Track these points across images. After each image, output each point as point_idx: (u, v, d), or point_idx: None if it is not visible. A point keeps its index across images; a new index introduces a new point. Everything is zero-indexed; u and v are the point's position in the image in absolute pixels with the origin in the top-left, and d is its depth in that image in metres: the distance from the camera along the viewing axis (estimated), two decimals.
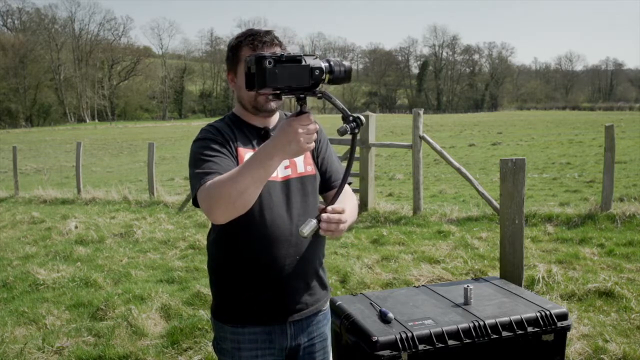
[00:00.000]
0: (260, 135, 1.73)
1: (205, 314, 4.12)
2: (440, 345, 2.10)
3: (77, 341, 3.86)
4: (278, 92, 1.36)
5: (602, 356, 3.27)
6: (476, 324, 2.17)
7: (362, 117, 1.36)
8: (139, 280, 5.24)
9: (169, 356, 3.60)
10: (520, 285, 3.49)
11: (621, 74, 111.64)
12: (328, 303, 1.90)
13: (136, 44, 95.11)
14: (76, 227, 7.89)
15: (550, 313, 2.28)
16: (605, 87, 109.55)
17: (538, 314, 2.27)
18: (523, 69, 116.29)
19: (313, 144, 1.40)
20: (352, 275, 4.94)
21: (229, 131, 1.69)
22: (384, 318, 2.21)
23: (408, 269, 5.11)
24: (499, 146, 21.13)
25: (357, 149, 7.90)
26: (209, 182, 1.50)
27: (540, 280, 4.56)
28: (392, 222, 7.26)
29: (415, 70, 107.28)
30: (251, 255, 1.69)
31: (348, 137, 1.64)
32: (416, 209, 7.59)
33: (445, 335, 2.12)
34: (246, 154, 1.66)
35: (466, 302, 2.39)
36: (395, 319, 2.21)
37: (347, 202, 1.69)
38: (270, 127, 1.75)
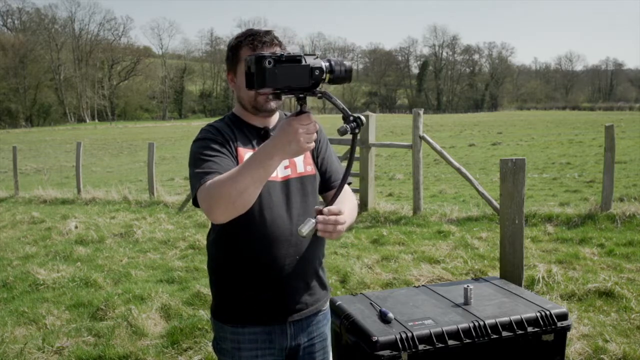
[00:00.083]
0: (260, 135, 1.73)
1: (205, 314, 4.12)
2: (440, 345, 2.10)
3: (77, 341, 3.86)
4: (278, 92, 1.36)
5: (602, 356, 3.27)
6: (476, 324, 2.17)
7: (363, 117, 1.36)
8: (139, 280, 5.24)
9: (169, 356, 3.60)
10: (520, 285, 3.49)
11: (621, 74, 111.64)
12: (328, 303, 1.90)
13: (136, 44, 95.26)
14: (76, 227, 7.89)
15: (550, 313, 2.28)
16: (605, 87, 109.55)
17: (538, 314, 2.27)
18: (523, 69, 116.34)
19: (313, 144, 1.40)
20: (352, 275, 4.94)
21: (229, 131, 1.69)
22: (384, 318, 2.21)
23: (408, 269, 5.11)
24: (499, 146, 21.13)
25: (357, 149, 7.90)
26: (208, 182, 1.50)
27: (540, 280, 4.56)
28: (392, 222, 7.26)
29: (415, 70, 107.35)
30: (251, 255, 1.69)
31: (348, 137, 1.64)
32: (416, 209, 7.59)
33: (445, 335, 2.12)
34: (246, 154, 1.66)
35: (466, 302, 2.39)
36: (395, 319, 2.21)
37: (347, 202, 1.69)
38: (270, 127, 1.75)
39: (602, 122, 29.93)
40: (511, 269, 3.58)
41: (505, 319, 2.22)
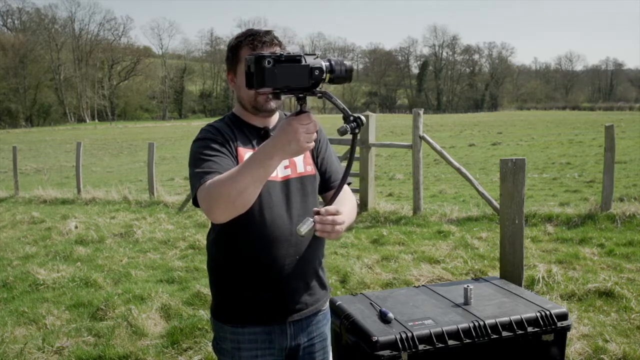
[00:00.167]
0: (260, 135, 1.73)
1: (205, 314, 4.12)
2: (440, 345, 2.10)
3: (77, 341, 3.86)
4: (277, 91, 1.36)
5: (602, 356, 3.27)
6: (476, 324, 2.17)
7: (363, 117, 1.36)
8: (139, 280, 5.24)
9: (169, 356, 3.60)
10: (520, 285, 3.49)
11: (621, 74, 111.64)
12: (328, 303, 1.90)
13: (136, 44, 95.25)
14: (76, 227, 7.89)
15: (550, 313, 2.28)
16: (605, 87, 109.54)
17: (538, 314, 2.27)
18: (523, 69, 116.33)
19: (313, 144, 1.40)
20: (352, 275, 4.94)
21: (229, 131, 1.69)
22: (384, 318, 2.21)
23: (408, 269, 5.11)
24: (499, 146, 21.13)
25: (357, 149, 7.90)
26: (208, 182, 1.50)
27: (540, 280, 4.56)
28: (392, 222, 7.26)
29: (415, 70, 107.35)
30: (251, 255, 1.69)
31: (348, 137, 1.64)
32: (416, 209, 7.59)
33: (445, 335, 2.12)
34: (246, 153, 1.66)
35: (466, 302, 2.39)
36: (395, 319, 2.21)
37: (346, 202, 1.69)
38: (270, 127, 1.75)
39: (602, 122, 29.93)
40: (511, 269, 3.58)
41: (505, 319, 2.22)
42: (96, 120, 77.45)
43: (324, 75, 1.37)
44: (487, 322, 2.19)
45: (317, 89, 1.38)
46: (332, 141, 6.88)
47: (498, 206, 4.94)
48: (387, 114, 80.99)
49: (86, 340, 3.88)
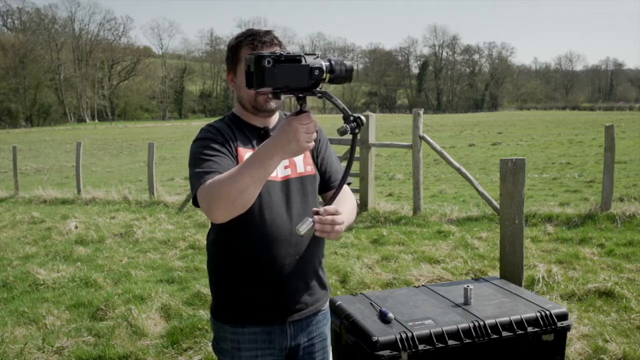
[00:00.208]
0: (260, 135, 1.73)
1: (205, 314, 4.12)
2: (440, 345, 2.10)
3: (77, 341, 3.86)
4: (277, 91, 1.36)
5: (602, 356, 3.27)
6: (476, 324, 2.17)
7: (363, 117, 1.36)
8: (139, 280, 5.24)
9: (169, 356, 3.60)
10: (520, 285, 3.49)
11: (621, 74, 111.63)
12: (327, 303, 1.90)
13: (136, 44, 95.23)
14: (76, 227, 7.89)
15: (550, 313, 2.28)
16: (605, 87, 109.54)
17: (538, 314, 2.26)
18: (523, 69, 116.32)
19: (313, 143, 1.40)
20: (352, 275, 4.94)
21: (229, 131, 1.69)
22: (384, 318, 2.21)
23: (408, 269, 5.11)
24: (499, 146, 21.13)
25: (357, 149, 7.90)
26: (208, 182, 1.50)
27: (540, 280, 4.56)
28: (392, 222, 7.26)
29: (415, 70, 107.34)
30: (251, 255, 1.69)
31: (348, 137, 1.64)
32: (416, 209, 7.59)
33: (445, 335, 2.12)
34: (246, 153, 1.66)
35: (466, 302, 2.39)
36: (395, 319, 2.21)
37: (346, 202, 1.69)
38: (270, 127, 1.75)
39: (602, 122, 29.93)
40: (511, 269, 3.58)
41: (505, 319, 2.22)
42: (96, 120, 77.45)
43: (324, 75, 1.37)
44: (487, 322, 2.19)
45: (317, 88, 1.38)
46: (332, 141, 6.88)
47: (498, 206, 4.94)
48: (387, 114, 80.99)
49: (86, 340, 3.88)
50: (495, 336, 2.18)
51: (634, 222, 6.38)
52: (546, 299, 2.81)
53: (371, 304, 2.39)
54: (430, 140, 7.51)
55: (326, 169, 1.83)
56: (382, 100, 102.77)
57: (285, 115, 1.78)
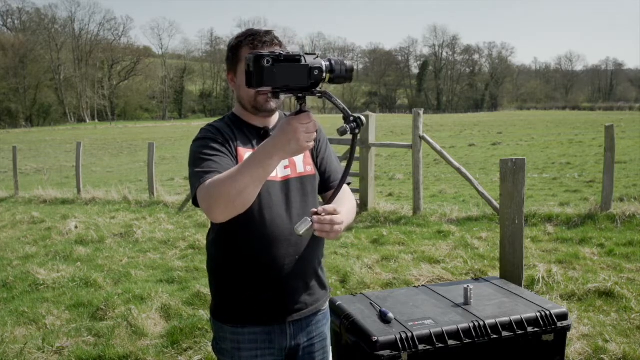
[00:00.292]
0: (260, 135, 1.73)
1: (205, 314, 4.12)
2: (440, 345, 2.10)
3: (77, 341, 3.86)
4: (276, 90, 1.36)
5: (602, 356, 3.27)
6: (476, 324, 2.17)
7: (363, 118, 1.36)
8: (139, 280, 5.24)
9: (169, 356, 3.60)
10: (520, 285, 3.49)
11: (621, 74, 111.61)
12: (327, 303, 1.90)
13: (136, 44, 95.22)
14: (76, 227, 7.89)
15: (550, 313, 2.27)
16: (605, 87, 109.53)
17: (538, 314, 2.26)
18: (523, 69, 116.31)
19: (312, 143, 1.40)
20: (352, 275, 4.94)
21: (229, 131, 1.69)
22: (384, 318, 2.21)
23: (408, 269, 5.11)
24: (499, 146, 21.13)
25: (357, 149, 7.89)
26: (208, 181, 1.50)
27: (540, 280, 4.56)
28: (392, 222, 7.26)
29: (415, 70, 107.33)
30: (250, 255, 1.69)
31: (348, 137, 1.64)
32: (416, 209, 7.59)
33: (445, 335, 2.12)
34: (246, 153, 1.66)
35: (466, 302, 2.39)
36: (395, 319, 2.21)
37: (345, 202, 1.68)
38: (270, 127, 1.75)
39: (602, 122, 29.93)
40: (511, 269, 3.58)
41: (505, 319, 2.22)
42: (96, 120, 77.44)
43: (324, 75, 1.37)
44: (487, 322, 2.19)
45: (317, 88, 1.37)
46: (332, 141, 6.88)
47: (498, 206, 4.94)
48: (387, 114, 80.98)
49: (86, 340, 3.88)
50: (495, 336, 2.18)
51: (634, 222, 6.38)
52: (546, 299, 2.81)
53: (371, 304, 2.39)
54: (430, 140, 7.51)
55: (326, 168, 1.83)
56: (382, 100, 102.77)
57: (285, 115, 1.78)
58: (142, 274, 5.49)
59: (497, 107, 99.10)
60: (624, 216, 6.51)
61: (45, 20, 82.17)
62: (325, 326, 1.88)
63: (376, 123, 8.41)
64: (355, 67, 1.48)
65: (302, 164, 1.76)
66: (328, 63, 1.39)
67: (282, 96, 1.44)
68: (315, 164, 1.82)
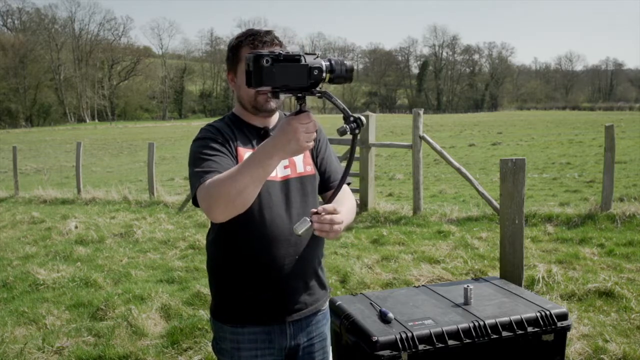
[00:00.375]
0: (260, 135, 1.73)
1: (205, 314, 4.12)
2: (440, 345, 2.10)
3: (77, 341, 3.86)
4: (276, 90, 1.36)
5: (602, 356, 3.27)
6: (476, 324, 2.17)
7: (363, 118, 1.36)
8: (139, 280, 5.24)
9: (169, 356, 3.60)
10: (520, 285, 3.49)
11: (621, 74, 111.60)
12: (327, 303, 1.90)
13: (136, 44, 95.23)
14: (76, 227, 7.89)
15: (550, 313, 2.27)
16: (605, 87, 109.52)
17: (538, 314, 2.26)
18: (523, 69, 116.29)
19: (312, 143, 1.40)
20: (352, 275, 4.94)
21: (229, 131, 1.69)
22: (384, 318, 2.21)
23: (408, 269, 5.11)
24: (499, 146, 21.13)
25: (357, 149, 7.89)
26: (208, 181, 1.50)
27: (540, 280, 4.56)
28: (392, 222, 7.26)
29: (415, 70, 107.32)
30: (250, 255, 1.69)
31: (348, 137, 1.64)
32: (416, 209, 7.59)
33: (445, 335, 2.12)
34: (246, 153, 1.66)
35: (466, 302, 2.39)
36: (395, 319, 2.21)
37: (345, 202, 1.69)
38: (270, 127, 1.75)
39: (602, 122, 29.92)
40: (511, 269, 3.58)
41: (505, 319, 2.22)
42: (96, 120, 77.43)
43: (324, 75, 1.37)
44: (487, 322, 2.19)
45: (317, 88, 1.37)
46: (332, 141, 6.88)
47: (498, 206, 4.94)
48: (387, 114, 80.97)
49: (86, 340, 3.88)
50: (495, 336, 2.18)
51: (634, 222, 6.38)
52: (546, 299, 2.80)
53: (371, 304, 2.39)
54: (430, 140, 7.51)
55: (326, 168, 1.83)
56: (382, 100, 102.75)
57: (285, 115, 1.78)
58: (142, 274, 5.49)
59: (497, 107, 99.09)
60: (624, 216, 6.51)
61: (45, 20, 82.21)
62: (325, 326, 1.88)
63: (376, 123, 8.41)
64: (355, 67, 1.48)
65: (302, 164, 1.76)
66: (328, 63, 1.39)
67: (282, 96, 1.44)
68: (315, 163, 1.82)
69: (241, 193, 1.41)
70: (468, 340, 2.14)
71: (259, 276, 1.70)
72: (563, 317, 2.30)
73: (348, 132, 1.35)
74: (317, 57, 1.38)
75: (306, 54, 1.37)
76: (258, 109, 1.70)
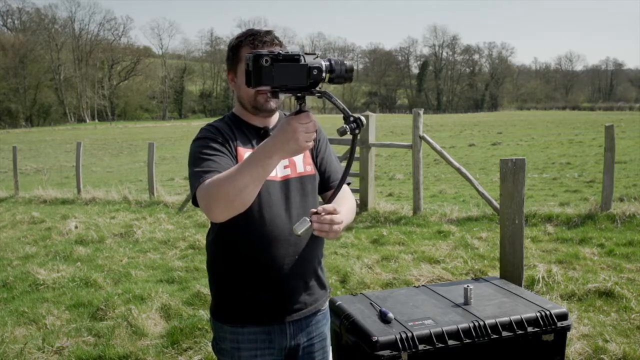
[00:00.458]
0: (260, 135, 1.73)
1: (205, 314, 4.12)
2: (440, 345, 2.10)
3: (77, 341, 3.86)
4: (275, 90, 1.36)
5: (602, 356, 3.27)
6: (476, 324, 2.17)
7: (363, 118, 1.36)
8: (139, 280, 5.24)
9: (169, 356, 3.60)
10: (520, 285, 3.49)
11: (621, 74, 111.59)
12: (327, 303, 1.90)
13: (136, 44, 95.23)
14: (76, 227, 7.89)
15: (550, 313, 2.27)
16: (605, 87, 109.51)
17: (538, 314, 2.26)
18: (523, 69, 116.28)
19: (312, 143, 1.40)
20: (352, 275, 4.94)
21: (229, 131, 1.69)
22: (384, 318, 2.21)
23: (408, 269, 5.11)
24: (499, 146, 21.13)
25: (357, 149, 7.89)
26: (207, 181, 1.50)
27: (540, 280, 4.56)
28: (392, 222, 7.26)
29: (415, 70, 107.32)
30: (250, 255, 1.69)
31: (348, 137, 1.64)
32: (416, 209, 7.59)
33: (445, 335, 2.11)
34: (245, 153, 1.66)
35: (466, 302, 2.39)
36: (395, 319, 2.21)
37: (345, 202, 1.69)
38: (270, 127, 1.75)
39: (602, 122, 29.93)
40: (511, 269, 3.58)
41: (505, 319, 2.22)
42: (96, 120, 77.42)
43: (324, 74, 1.37)
44: (487, 322, 2.19)
45: (317, 88, 1.37)
46: (332, 141, 6.88)
47: (498, 206, 4.94)
48: (387, 114, 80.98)
49: (86, 340, 3.88)
50: (495, 336, 2.18)
51: (634, 222, 6.38)
52: (546, 299, 2.80)
53: (371, 304, 2.39)
54: (430, 140, 7.51)
55: (326, 168, 1.83)
56: (382, 100, 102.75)
57: (285, 115, 1.78)
58: (142, 274, 5.49)
59: (497, 107, 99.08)
60: (624, 216, 6.51)
61: (45, 20, 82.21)
62: (325, 326, 1.88)
63: (376, 123, 8.41)
64: (355, 67, 1.48)
65: (302, 164, 1.76)
66: (328, 63, 1.38)
67: (282, 96, 1.44)
68: (315, 163, 1.82)
69: (241, 193, 1.41)
70: (468, 340, 2.14)
71: (258, 276, 1.70)
72: (563, 317, 2.29)
73: (348, 132, 1.35)
74: (317, 57, 1.38)
75: (306, 53, 1.37)
76: (258, 109, 1.70)
